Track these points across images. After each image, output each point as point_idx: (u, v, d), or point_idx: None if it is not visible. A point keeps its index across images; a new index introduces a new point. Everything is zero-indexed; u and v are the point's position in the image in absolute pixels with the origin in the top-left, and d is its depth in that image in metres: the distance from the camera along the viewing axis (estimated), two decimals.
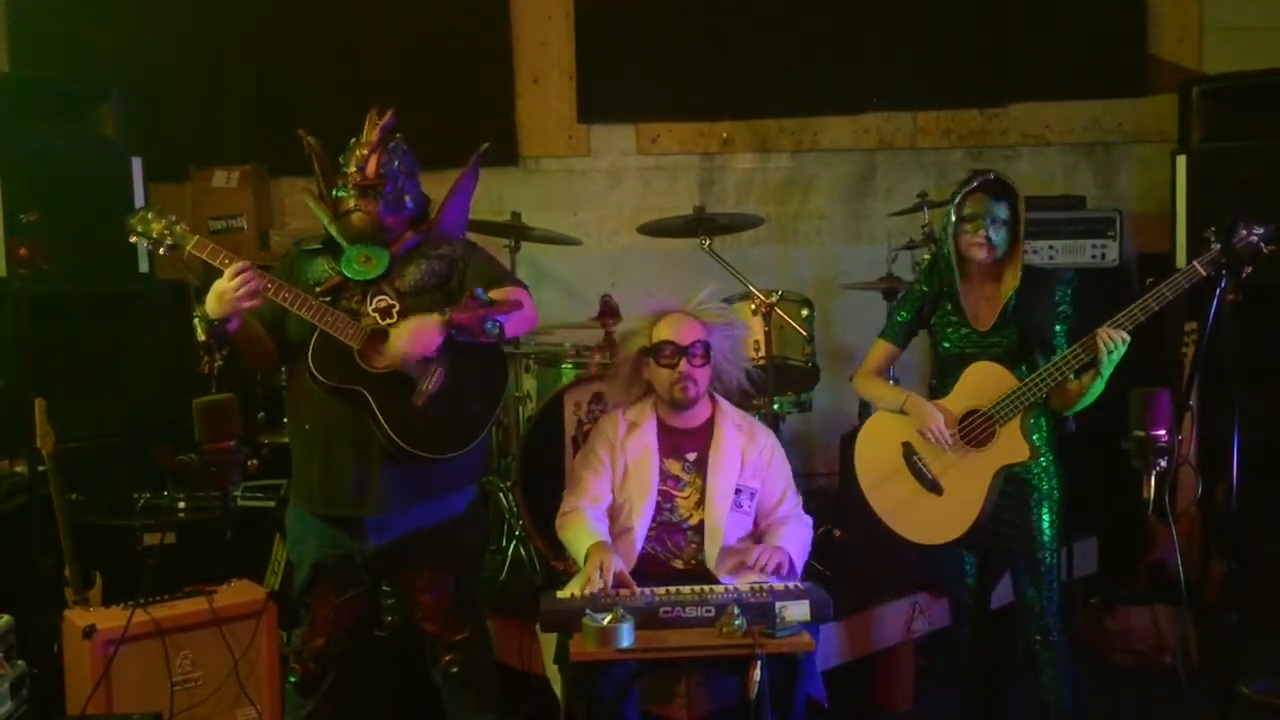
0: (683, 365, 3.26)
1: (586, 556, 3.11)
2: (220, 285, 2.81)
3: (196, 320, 2.86)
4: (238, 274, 2.80)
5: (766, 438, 3.40)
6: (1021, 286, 3.16)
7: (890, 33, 5.47)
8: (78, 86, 4.91)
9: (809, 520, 3.38)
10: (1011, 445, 3.09)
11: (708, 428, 3.36)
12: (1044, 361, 3.06)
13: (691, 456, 3.33)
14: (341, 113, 3.18)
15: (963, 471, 3.15)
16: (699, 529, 3.28)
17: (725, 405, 3.42)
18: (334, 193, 3.08)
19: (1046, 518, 3.15)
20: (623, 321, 3.72)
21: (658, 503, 3.28)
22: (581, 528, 3.22)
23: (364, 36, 5.58)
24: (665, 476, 3.31)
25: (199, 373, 2.86)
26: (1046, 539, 3.15)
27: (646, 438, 3.32)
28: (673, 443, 3.34)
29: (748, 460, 3.32)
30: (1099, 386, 3.03)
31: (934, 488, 3.20)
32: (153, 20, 5.57)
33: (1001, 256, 3.16)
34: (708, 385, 3.34)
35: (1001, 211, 3.13)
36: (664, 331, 3.30)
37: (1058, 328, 3.15)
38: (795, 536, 3.27)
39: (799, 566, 3.21)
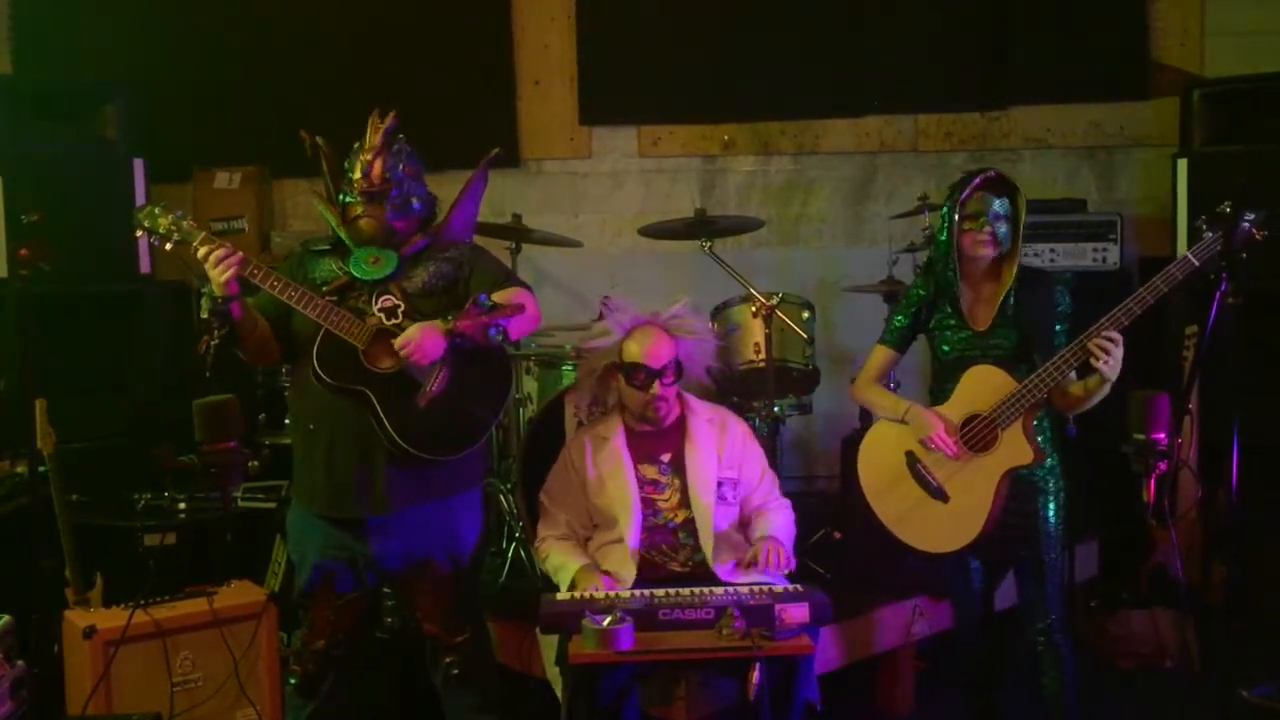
0: (655, 388, 3.25)
1: (574, 584, 3.15)
2: (208, 269, 2.85)
3: (203, 296, 2.87)
4: (202, 245, 2.84)
5: (737, 426, 3.42)
6: (1019, 286, 3.15)
7: (891, 35, 5.47)
8: (80, 88, 4.93)
9: (787, 503, 3.41)
10: (1015, 448, 3.07)
11: (679, 427, 3.37)
12: (1043, 362, 3.04)
13: (666, 458, 3.34)
14: (344, 114, 3.18)
15: (968, 477, 3.12)
16: (687, 527, 3.29)
17: (694, 402, 3.43)
18: (341, 198, 3.09)
19: (1053, 518, 3.14)
20: (590, 330, 3.57)
21: (641, 510, 3.29)
22: (560, 556, 3.26)
23: (366, 38, 5.57)
24: (643, 482, 3.31)
25: (196, 353, 2.85)
26: (1052, 539, 3.13)
27: (616, 449, 3.33)
28: (643, 448, 3.35)
29: (724, 452, 3.34)
30: (1105, 390, 3.00)
31: (939, 495, 3.17)
32: (155, 22, 5.56)
33: (1003, 254, 3.15)
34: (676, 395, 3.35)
35: (1003, 208, 3.12)
36: (635, 351, 3.28)
37: (1058, 327, 3.13)
38: (782, 524, 3.31)
39: (790, 553, 3.23)
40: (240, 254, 2.86)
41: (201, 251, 2.84)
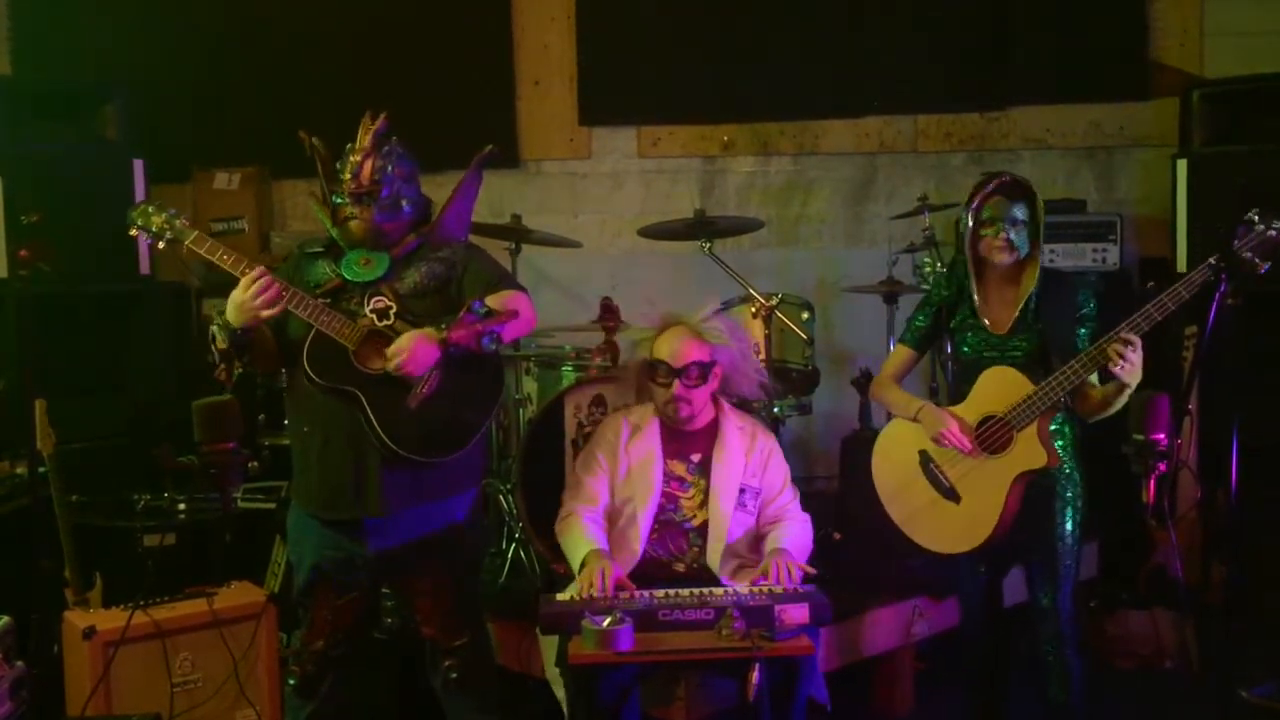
0: (675, 386, 3.26)
1: (584, 563, 3.13)
2: (237, 295, 2.81)
3: (216, 329, 2.85)
4: (253, 284, 2.80)
5: (766, 439, 3.41)
6: (1041, 289, 3.13)
7: (891, 36, 5.47)
8: (80, 88, 4.93)
9: (807, 518, 3.39)
10: (1029, 451, 3.04)
11: (711, 429, 3.36)
12: (1061, 366, 3.00)
13: (696, 458, 3.34)
14: (343, 115, 3.17)
15: (980, 479, 3.10)
16: (701, 530, 3.29)
17: (728, 408, 3.43)
18: (333, 199, 3.08)
19: (1069, 525, 3.12)
20: (631, 328, 3.67)
21: (660, 504, 3.29)
22: (578, 534, 3.23)
23: (366, 38, 5.57)
24: (669, 478, 3.31)
25: (216, 380, 2.85)
26: (1068, 546, 3.12)
27: (650, 440, 3.33)
28: (677, 444, 3.35)
29: (750, 460, 3.34)
30: (1125, 396, 2.99)
31: (951, 495, 3.16)
32: (155, 22, 5.57)
33: (1022, 258, 3.13)
34: (706, 401, 3.34)
35: (1020, 212, 3.09)
36: (662, 349, 3.29)
37: (1081, 331, 3.10)
38: (795, 536, 3.28)
39: (800, 566, 3.20)
40: (277, 287, 2.83)
41: (247, 277, 2.81)
